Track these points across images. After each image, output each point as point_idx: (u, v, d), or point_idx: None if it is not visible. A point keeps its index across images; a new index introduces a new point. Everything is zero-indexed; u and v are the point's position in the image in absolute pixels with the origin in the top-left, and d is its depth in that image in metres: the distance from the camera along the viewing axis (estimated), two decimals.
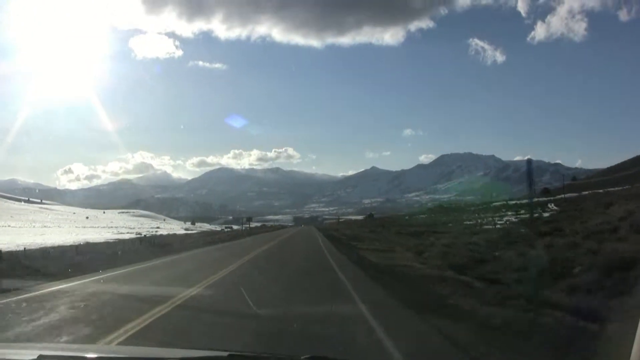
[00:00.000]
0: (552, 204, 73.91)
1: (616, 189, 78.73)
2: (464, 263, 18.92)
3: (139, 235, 60.45)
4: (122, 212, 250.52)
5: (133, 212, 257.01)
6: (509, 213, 73.10)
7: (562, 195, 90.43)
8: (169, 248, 34.62)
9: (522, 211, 68.38)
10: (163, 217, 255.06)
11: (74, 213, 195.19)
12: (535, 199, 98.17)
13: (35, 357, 2.80)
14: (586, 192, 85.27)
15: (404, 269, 18.31)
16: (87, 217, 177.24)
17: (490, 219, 64.12)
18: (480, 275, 15.48)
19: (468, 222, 65.12)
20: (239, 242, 46.67)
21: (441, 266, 18.59)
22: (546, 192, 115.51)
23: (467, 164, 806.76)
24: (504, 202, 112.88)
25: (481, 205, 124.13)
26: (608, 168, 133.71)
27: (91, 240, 44.17)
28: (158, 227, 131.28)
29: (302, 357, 3.03)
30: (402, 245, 33.57)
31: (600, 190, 79.82)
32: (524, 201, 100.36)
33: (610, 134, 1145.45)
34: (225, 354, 3.01)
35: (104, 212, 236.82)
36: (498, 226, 46.00)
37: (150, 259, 23.52)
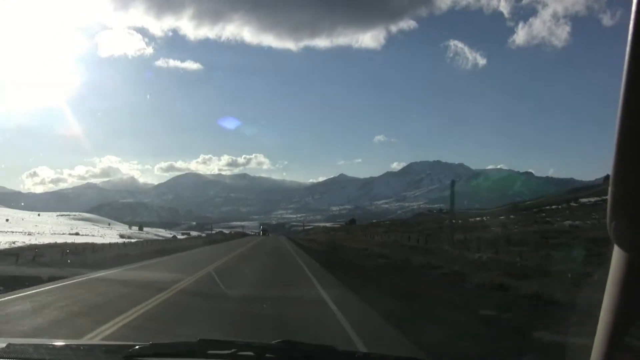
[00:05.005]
0: None
1: None
2: None
3: None
4: (60, 215, 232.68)
5: (73, 216, 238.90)
6: None
7: None
8: None
9: None
10: (108, 221, 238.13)
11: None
12: None
13: (5, 345, 2.88)
14: None
15: None
16: (7, 220, 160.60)
17: None
18: None
19: None
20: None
21: None
22: None
23: (436, 172, 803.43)
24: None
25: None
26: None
27: None
28: (77, 233, 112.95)
29: (273, 342, 2.81)
30: None
31: None
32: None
33: (587, 144, 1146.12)
34: (195, 340, 2.89)
35: (38, 215, 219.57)
36: None
37: None
